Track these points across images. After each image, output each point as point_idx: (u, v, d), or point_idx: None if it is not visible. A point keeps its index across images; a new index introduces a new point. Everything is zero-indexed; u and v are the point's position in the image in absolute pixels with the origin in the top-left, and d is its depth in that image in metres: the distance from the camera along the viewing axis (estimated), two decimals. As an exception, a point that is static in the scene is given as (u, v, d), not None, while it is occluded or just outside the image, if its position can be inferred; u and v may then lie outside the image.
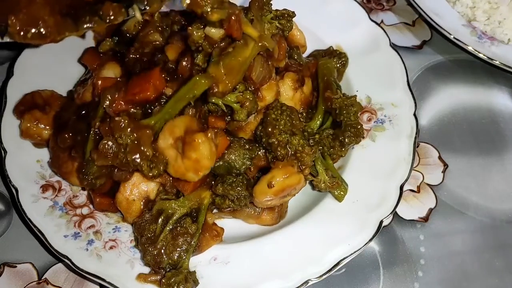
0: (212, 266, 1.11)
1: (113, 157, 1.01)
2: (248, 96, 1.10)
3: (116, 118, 1.00)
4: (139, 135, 1.01)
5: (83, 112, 1.18)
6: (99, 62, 1.24)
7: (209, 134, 1.03)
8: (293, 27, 1.30)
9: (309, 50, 1.42)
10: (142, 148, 1.01)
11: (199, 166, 1.04)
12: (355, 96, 1.27)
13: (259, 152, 1.14)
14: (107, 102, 1.09)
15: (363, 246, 1.12)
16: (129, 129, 1.00)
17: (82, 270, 1.08)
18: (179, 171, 1.05)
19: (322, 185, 1.17)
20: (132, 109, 1.09)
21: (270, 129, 1.11)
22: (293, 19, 1.20)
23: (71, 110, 1.22)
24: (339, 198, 1.19)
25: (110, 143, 1.00)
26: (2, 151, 1.21)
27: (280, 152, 1.10)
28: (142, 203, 1.12)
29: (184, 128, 1.03)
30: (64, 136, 1.15)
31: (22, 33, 0.89)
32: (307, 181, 1.21)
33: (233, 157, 1.11)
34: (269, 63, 1.15)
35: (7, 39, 0.90)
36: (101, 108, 1.10)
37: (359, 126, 1.21)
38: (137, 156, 1.01)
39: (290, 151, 1.11)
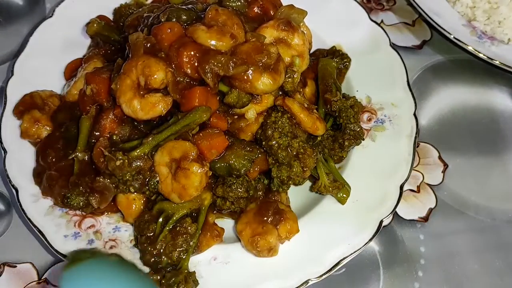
0: (212, 266, 1.11)
1: (113, 192, 1.09)
2: None
3: (117, 163, 1.03)
4: (139, 167, 1.06)
5: (73, 110, 1.22)
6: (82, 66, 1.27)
7: (205, 168, 1.05)
8: (301, 23, 1.29)
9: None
10: (142, 176, 1.07)
11: (185, 193, 1.06)
12: (354, 97, 1.26)
13: (260, 155, 1.14)
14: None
15: (363, 246, 1.12)
16: (128, 166, 1.05)
17: (82, 270, 1.07)
18: (165, 190, 1.08)
19: (323, 188, 1.17)
20: (120, 128, 1.13)
21: (270, 132, 1.11)
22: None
23: (66, 110, 1.23)
24: (341, 201, 1.19)
25: (106, 180, 1.08)
26: (2, 151, 1.21)
27: (280, 154, 1.10)
28: (142, 202, 1.12)
29: (182, 153, 1.05)
30: (47, 153, 1.18)
31: None
32: (308, 181, 1.22)
33: (233, 158, 1.10)
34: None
35: None
36: (82, 137, 1.14)
37: (358, 129, 1.21)
38: (137, 184, 1.07)
39: (291, 153, 1.11)
